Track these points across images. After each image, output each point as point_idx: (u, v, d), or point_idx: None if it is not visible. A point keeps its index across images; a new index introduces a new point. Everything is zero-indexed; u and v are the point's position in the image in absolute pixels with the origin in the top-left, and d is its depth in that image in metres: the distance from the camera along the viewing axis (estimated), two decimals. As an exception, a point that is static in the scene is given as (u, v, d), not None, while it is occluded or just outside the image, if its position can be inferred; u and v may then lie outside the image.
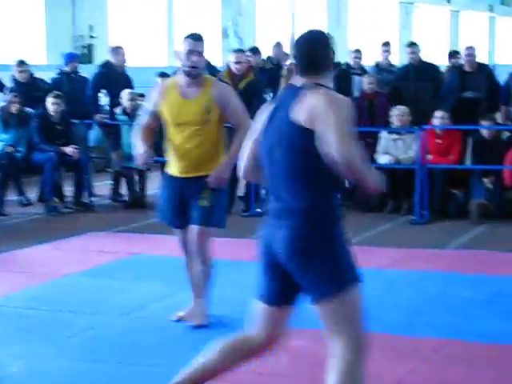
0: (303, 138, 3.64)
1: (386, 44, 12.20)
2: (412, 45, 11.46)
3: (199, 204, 5.68)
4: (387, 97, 10.98)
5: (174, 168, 5.76)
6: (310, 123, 3.61)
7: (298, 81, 3.80)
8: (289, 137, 3.68)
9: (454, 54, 13.86)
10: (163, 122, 5.77)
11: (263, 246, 3.85)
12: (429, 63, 11.62)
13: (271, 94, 10.88)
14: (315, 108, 3.60)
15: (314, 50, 3.80)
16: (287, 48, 12.48)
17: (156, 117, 5.79)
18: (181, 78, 5.76)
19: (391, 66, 11.96)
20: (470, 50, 10.89)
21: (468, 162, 10.51)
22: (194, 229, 5.72)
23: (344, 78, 11.36)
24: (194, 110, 5.64)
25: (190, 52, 5.58)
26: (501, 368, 5.06)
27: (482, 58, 25.81)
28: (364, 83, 11.04)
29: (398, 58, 18.06)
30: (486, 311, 6.17)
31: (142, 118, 5.93)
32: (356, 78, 11.37)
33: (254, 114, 4.00)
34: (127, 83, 11.51)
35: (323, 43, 3.85)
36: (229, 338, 4.02)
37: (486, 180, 9.91)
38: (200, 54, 5.63)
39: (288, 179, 3.72)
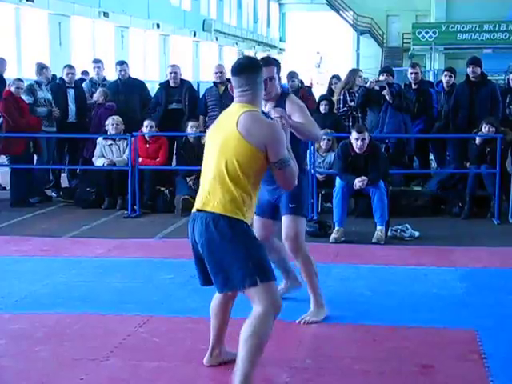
0: None
1: (97, 61, 11.98)
2: (123, 63, 11.40)
3: None
4: (110, 108, 10.82)
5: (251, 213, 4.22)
6: None
7: None
8: None
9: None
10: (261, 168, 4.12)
11: None
12: (136, 79, 11.66)
13: None
14: None
15: None
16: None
17: None
18: None
19: (104, 80, 11.81)
20: (174, 68, 10.99)
21: (174, 164, 10.64)
22: None
23: (59, 91, 11.12)
24: None
25: None
26: (192, 336, 5.10)
27: (188, 75, 26.39)
28: (95, 96, 10.91)
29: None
30: (184, 291, 6.24)
31: None
32: (70, 92, 11.13)
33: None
34: None
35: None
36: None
37: (188, 178, 10.09)
38: None
39: None
